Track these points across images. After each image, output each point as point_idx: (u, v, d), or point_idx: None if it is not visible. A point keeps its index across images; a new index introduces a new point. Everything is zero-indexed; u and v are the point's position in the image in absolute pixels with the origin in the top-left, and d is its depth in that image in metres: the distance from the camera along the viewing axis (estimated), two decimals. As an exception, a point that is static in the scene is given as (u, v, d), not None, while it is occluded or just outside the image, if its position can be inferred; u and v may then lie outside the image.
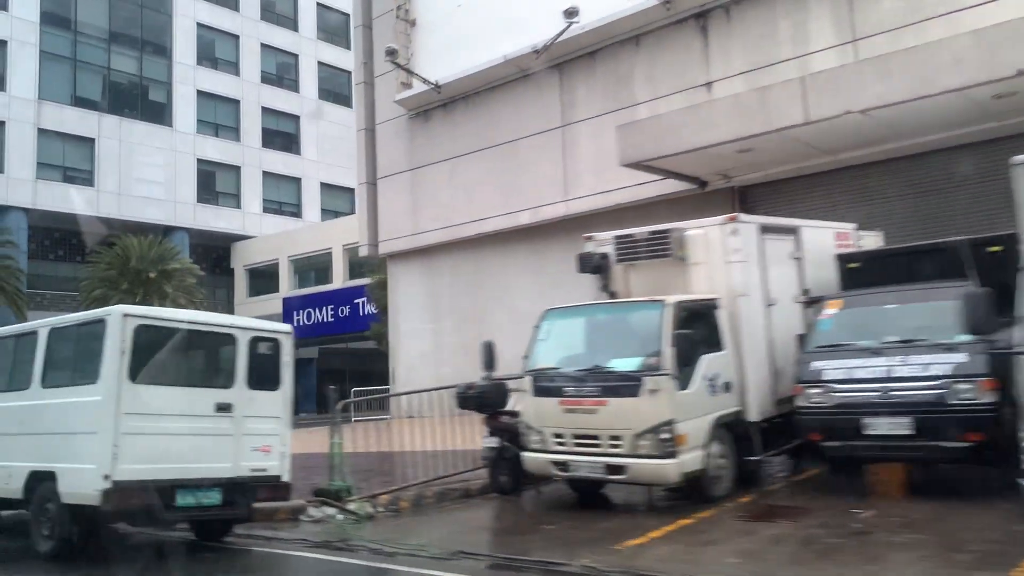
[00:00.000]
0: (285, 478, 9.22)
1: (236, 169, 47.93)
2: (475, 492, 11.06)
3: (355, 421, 16.28)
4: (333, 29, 53.51)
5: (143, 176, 43.92)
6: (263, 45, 49.46)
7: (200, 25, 46.86)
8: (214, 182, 47.48)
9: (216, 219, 46.19)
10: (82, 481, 8.05)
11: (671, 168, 15.02)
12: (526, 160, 18.58)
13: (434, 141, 20.08)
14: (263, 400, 9.19)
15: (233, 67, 48.20)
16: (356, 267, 42.94)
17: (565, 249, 12.82)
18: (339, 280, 41.97)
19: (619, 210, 16.39)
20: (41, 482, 8.52)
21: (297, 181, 50.67)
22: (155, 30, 45.37)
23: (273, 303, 44.33)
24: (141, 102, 44.80)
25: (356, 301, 40.32)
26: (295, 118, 50.97)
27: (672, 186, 15.99)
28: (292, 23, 51.29)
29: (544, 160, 18.33)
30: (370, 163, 21.08)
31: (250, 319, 10.75)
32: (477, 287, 19.38)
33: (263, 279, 46.90)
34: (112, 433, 8.01)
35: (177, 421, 8.52)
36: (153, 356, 8.43)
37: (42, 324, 9.59)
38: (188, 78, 46.10)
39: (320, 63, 52.33)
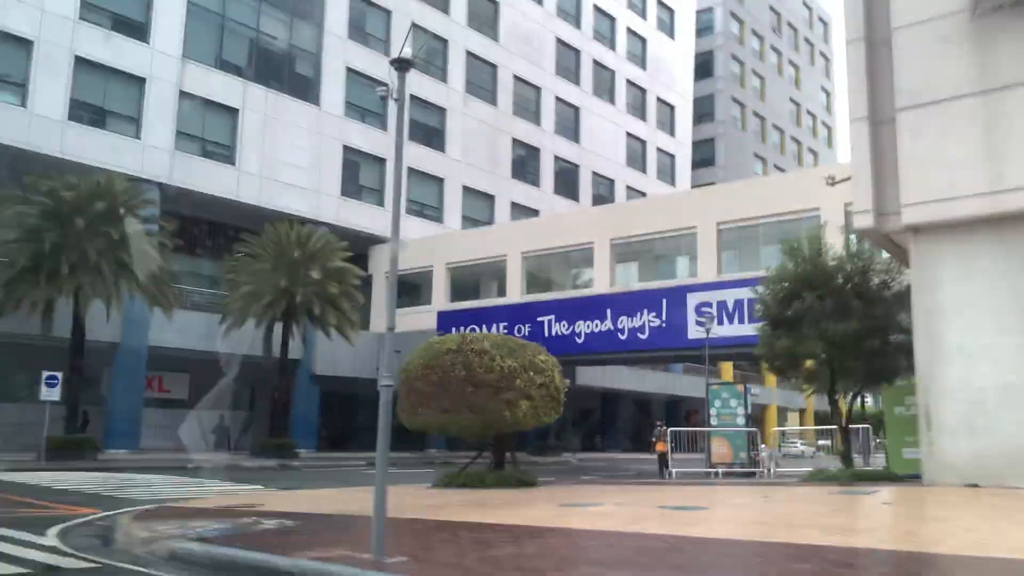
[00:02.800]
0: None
1: (381, 162, 41.48)
2: None
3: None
4: (484, 18, 47.54)
5: (287, 159, 37.39)
6: (414, 24, 43.22)
7: (355, -7, 40.90)
8: (358, 174, 40.97)
9: (358, 216, 39.61)
10: None
11: None
12: None
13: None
14: None
15: (383, 45, 42.02)
16: (535, 278, 36.36)
17: None
18: (516, 292, 35.24)
19: None
20: None
21: (440, 181, 44.23)
22: (310, -7, 39.27)
23: (423, 317, 37.58)
24: (288, 73, 38.47)
25: (541, 319, 33.65)
26: (441, 111, 44.68)
27: None
28: (443, 3, 45.28)
29: None
30: (874, 89, 14.55)
31: None
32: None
33: (408, 289, 40.19)
34: None
35: None
36: None
37: None
38: (338, 51, 39.87)
39: (468, 52, 46.25)
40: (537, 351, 16.08)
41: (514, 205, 47.78)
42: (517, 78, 48.98)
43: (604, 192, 54.16)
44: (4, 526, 10.08)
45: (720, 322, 29.02)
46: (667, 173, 59.95)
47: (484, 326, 35.43)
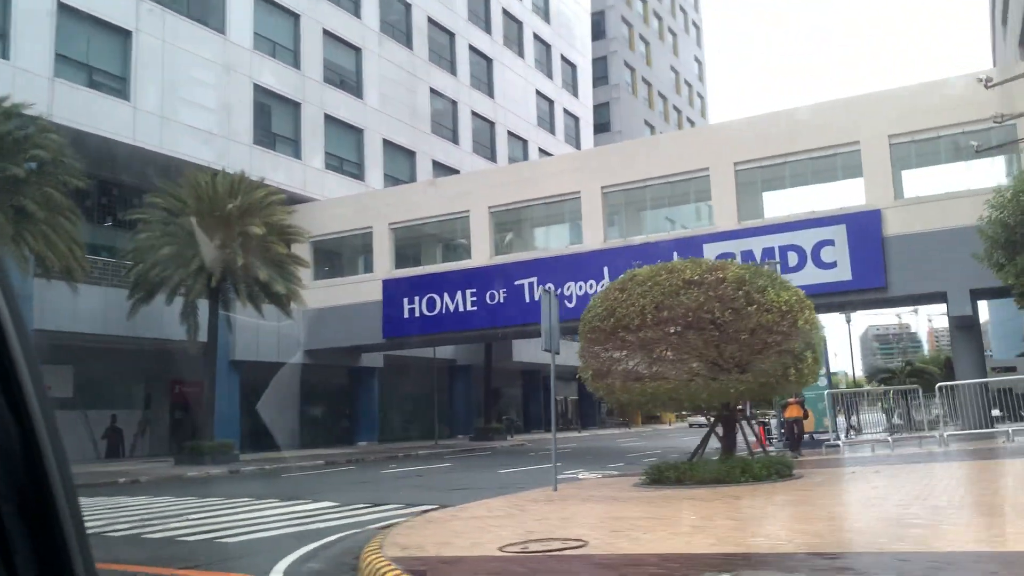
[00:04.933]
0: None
1: (295, 107, 35.10)
2: None
3: None
4: (396, -53, 41.80)
5: (191, 97, 30.44)
6: (325, -51, 37.06)
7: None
8: (271, 119, 34.41)
9: (274, 170, 33.12)
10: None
11: None
12: None
13: None
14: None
15: (292, -31, 35.54)
16: (505, 237, 31.67)
17: None
18: (483, 253, 30.32)
19: None
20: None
21: (359, 133, 38.30)
22: None
23: (363, 288, 32.10)
24: (187, -8, 31.32)
25: (520, 282, 29.04)
26: (357, 51, 38.72)
27: None
28: (354, -71, 39.19)
29: None
30: None
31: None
32: None
33: (340, 255, 34.27)
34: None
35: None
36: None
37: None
38: (244, -29, 33.09)
39: (382, -13, 40.43)
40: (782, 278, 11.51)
41: (435, 164, 42.56)
42: (431, 21, 43.61)
43: (518, 154, 49.89)
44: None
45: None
46: (572, 136, 56.55)
47: (446, 294, 30.54)
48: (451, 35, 45.24)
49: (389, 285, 31.71)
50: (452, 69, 44.96)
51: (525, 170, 33.34)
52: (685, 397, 10.53)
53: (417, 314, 30.99)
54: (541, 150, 51.60)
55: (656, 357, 9.96)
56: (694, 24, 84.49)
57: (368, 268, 32.97)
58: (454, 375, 43.42)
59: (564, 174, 29.25)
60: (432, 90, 43.18)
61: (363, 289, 32.11)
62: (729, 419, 11.52)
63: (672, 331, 9.89)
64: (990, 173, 25.15)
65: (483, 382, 41.71)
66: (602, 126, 62.78)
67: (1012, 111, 23.25)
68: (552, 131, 53.70)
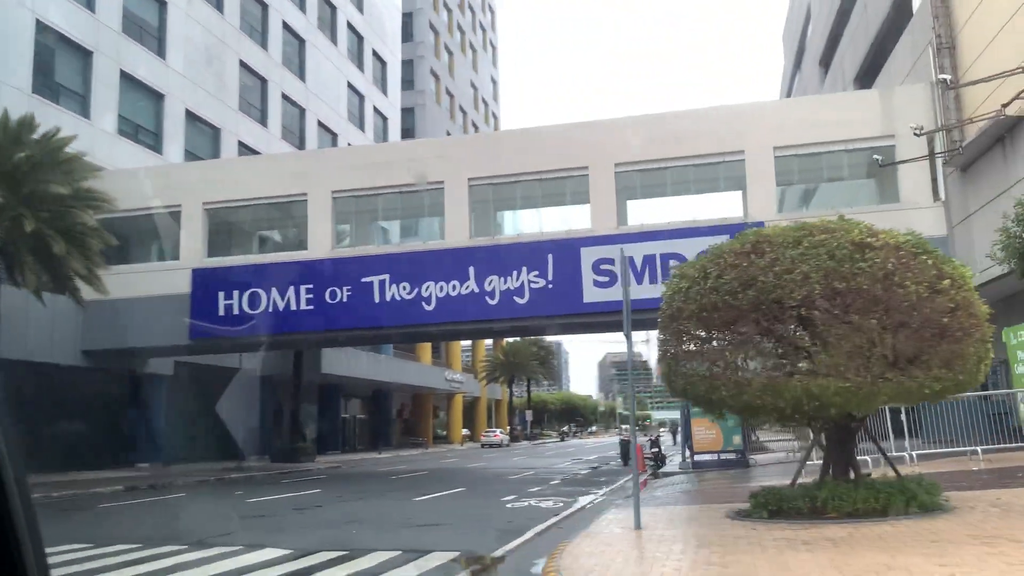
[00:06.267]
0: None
1: (86, 56, 29.02)
2: None
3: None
4: None
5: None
6: None
7: None
8: (54, 66, 28.09)
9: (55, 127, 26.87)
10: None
11: None
12: None
13: None
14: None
15: None
16: (347, 230, 28.12)
17: None
18: (323, 243, 26.33)
19: None
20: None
21: (159, 98, 32.63)
22: None
23: (164, 278, 27.02)
24: None
25: (368, 279, 25.56)
26: (161, 3, 33.10)
27: None
28: None
29: None
30: None
31: None
32: None
33: (126, 237, 28.48)
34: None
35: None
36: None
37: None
38: None
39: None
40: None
41: (242, 145, 37.46)
42: (245, -13, 38.65)
43: (327, 147, 45.67)
44: None
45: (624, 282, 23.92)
46: (381, 137, 53.09)
47: (274, 290, 26.23)
48: (264, 6, 40.42)
49: (201, 276, 26.64)
50: (264, 43, 40.10)
51: (378, 153, 29.66)
52: (859, 400, 7.87)
53: (236, 312, 26.21)
54: (351, 146, 47.68)
55: (823, 343, 7.37)
56: (491, 44, 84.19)
57: (173, 255, 27.59)
58: (250, 387, 38.12)
59: (425, 161, 26.07)
60: (242, 63, 38.11)
61: (164, 280, 26.72)
62: (849, 431, 9.16)
63: (845, 310, 7.39)
64: (862, 195, 25.48)
65: (286, 396, 36.96)
66: (407, 131, 59.84)
67: (890, 132, 23.57)
68: (362, 128, 49.97)
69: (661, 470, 21.47)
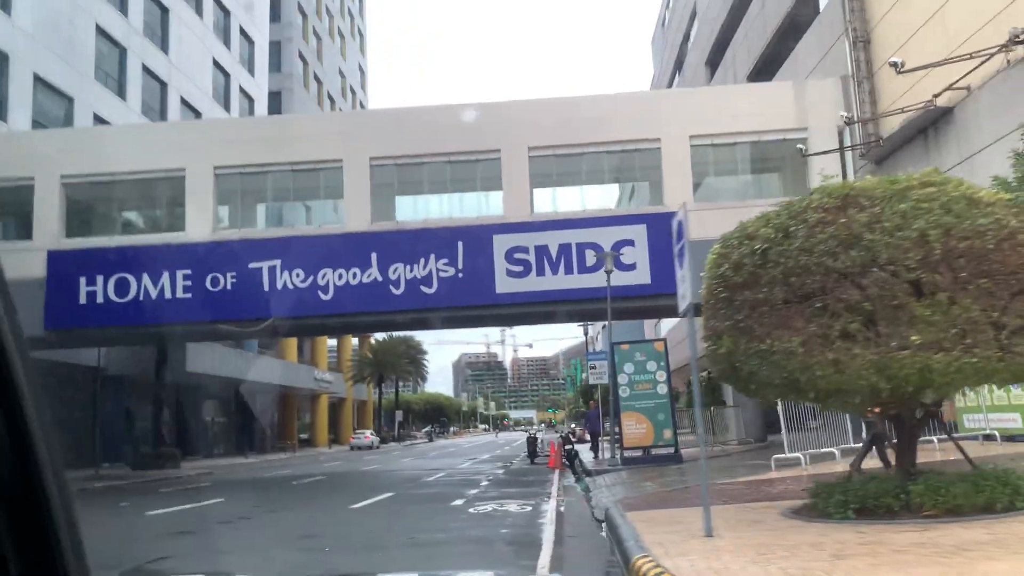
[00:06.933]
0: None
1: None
2: None
3: None
4: None
5: None
6: None
7: None
8: None
9: None
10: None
11: None
12: None
13: None
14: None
15: None
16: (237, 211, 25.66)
17: None
18: (204, 224, 23.70)
19: None
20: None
21: (3, 60, 28.72)
22: None
23: (14, 260, 23.65)
24: None
25: (256, 265, 23.27)
26: (6, -50, 29.17)
27: None
28: None
29: None
30: None
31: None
32: None
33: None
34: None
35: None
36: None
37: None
38: None
39: None
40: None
41: (97, 118, 33.68)
42: (102, -58, 34.83)
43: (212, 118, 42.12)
44: None
45: (540, 272, 22.85)
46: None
47: (146, 276, 23.46)
48: (123, -34, 36.67)
49: (58, 259, 23.38)
50: (123, 8, 36.33)
51: (268, 126, 27.07)
52: (980, 378, 6.96)
53: (100, 299, 23.15)
54: (239, 118, 44.22)
55: (943, 313, 6.28)
56: (359, 31, 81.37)
57: (24, 234, 24.13)
58: (104, 387, 34.32)
59: (323, 137, 23.93)
60: (99, 28, 34.28)
61: (13, 261, 23.21)
62: (918, 420, 8.14)
63: (971, 274, 6.37)
64: (769, 188, 25.45)
65: (145, 397, 33.55)
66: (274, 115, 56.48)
67: (804, 124, 23.61)
68: (228, 109, 46.49)
69: (581, 467, 20.45)
